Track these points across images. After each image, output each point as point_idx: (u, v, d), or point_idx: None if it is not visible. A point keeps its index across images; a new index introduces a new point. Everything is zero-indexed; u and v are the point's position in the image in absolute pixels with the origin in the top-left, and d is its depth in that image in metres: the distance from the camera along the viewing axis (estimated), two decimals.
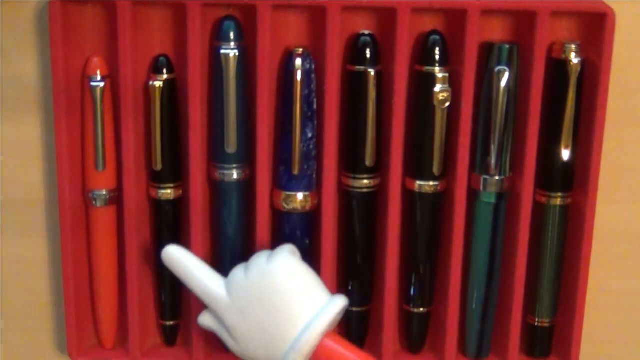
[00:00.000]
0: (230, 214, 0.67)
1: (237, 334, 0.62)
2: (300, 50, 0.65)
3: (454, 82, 0.65)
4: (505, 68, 0.64)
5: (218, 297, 0.63)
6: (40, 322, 0.72)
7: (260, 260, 0.62)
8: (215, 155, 0.67)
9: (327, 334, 0.62)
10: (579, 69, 0.64)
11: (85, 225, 0.69)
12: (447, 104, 0.65)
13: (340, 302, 0.62)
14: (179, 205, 0.68)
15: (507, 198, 0.67)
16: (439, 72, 0.65)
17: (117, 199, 0.68)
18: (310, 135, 0.66)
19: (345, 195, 0.68)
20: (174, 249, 0.64)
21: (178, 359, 0.70)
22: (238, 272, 0.63)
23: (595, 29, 0.64)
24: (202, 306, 0.68)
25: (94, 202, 0.67)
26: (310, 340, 0.61)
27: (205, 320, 0.64)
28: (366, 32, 0.65)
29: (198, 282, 0.63)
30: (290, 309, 0.61)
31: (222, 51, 0.65)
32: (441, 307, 0.69)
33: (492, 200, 0.67)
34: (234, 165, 0.67)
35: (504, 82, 0.65)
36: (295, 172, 0.66)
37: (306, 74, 0.65)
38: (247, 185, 0.68)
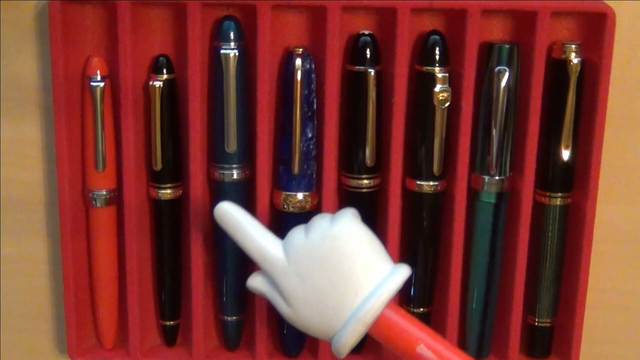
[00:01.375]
0: None
1: (293, 299, 0.59)
2: (300, 50, 0.65)
3: (454, 82, 0.65)
4: (505, 68, 0.64)
5: (275, 258, 0.59)
6: (40, 322, 0.72)
7: (323, 222, 0.59)
8: (215, 155, 0.67)
9: (389, 304, 0.59)
10: (579, 69, 0.64)
11: (85, 225, 0.69)
12: (447, 104, 0.65)
13: (405, 271, 0.60)
14: (179, 205, 0.68)
15: (507, 198, 0.67)
16: (439, 72, 0.65)
17: (117, 199, 0.68)
18: (310, 135, 0.66)
19: (346, 195, 0.68)
20: (228, 205, 0.61)
21: (178, 359, 0.70)
22: (297, 233, 0.60)
23: (595, 29, 0.64)
24: (202, 306, 0.68)
25: (94, 202, 0.67)
26: (374, 309, 0.58)
27: (256, 282, 0.61)
28: (366, 32, 0.65)
29: (253, 241, 0.60)
30: (352, 275, 0.58)
31: (222, 51, 0.65)
32: (441, 307, 0.69)
33: (492, 200, 0.67)
34: (234, 165, 0.67)
35: (504, 82, 0.65)
36: (295, 172, 0.66)
37: (306, 74, 0.65)
38: (247, 185, 0.68)
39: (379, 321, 0.59)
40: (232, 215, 0.60)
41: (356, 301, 0.58)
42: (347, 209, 0.61)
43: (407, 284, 0.69)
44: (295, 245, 0.59)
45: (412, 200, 0.68)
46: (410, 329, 0.59)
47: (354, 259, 0.59)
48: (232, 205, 0.61)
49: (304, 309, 0.59)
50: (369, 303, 0.58)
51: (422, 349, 0.59)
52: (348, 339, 0.58)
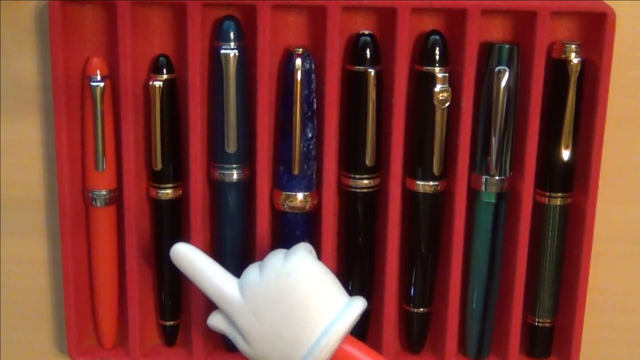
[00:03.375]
0: (230, 214, 0.67)
1: (251, 337, 0.60)
2: (300, 50, 0.65)
3: (454, 82, 0.65)
4: (505, 68, 0.64)
5: (231, 298, 0.60)
6: (40, 322, 0.72)
7: (276, 260, 0.60)
8: (215, 155, 0.67)
9: (345, 338, 0.60)
10: (579, 69, 0.64)
11: (85, 225, 0.69)
12: (447, 104, 0.65)
13: (359, 305, 0.60)
14: (179, 205, 0.68)
15: (507, 198, 0.67)
16: (439, 72, 0.65)
17: (117, 199, 0.68)
18: (310, 135, 0.66)
19: (345, 195, 0.68)
20: (183, 246, 0.62)
21: (178, 359, 0.70)
22: (252, 272, 0.61)
23: (595, 29, 0.64)
24: (202, 306, 0.68)
25: (94, 202, 0.67)
26: (330, 344, 0.59)
27: (216, 321, 0.62)
28: (366, 32, 0.65)
29: (209, 282, 0.61)
30: (307, 311, 0.59)
31: (222, 51, 0.65)
32: (441, 307, 0.69)
33: (492, 200, 0.67)
34: (234, 165, 0.67)
35: (504, 82, 0.65)
36: (295, 172, 0.66)
37: (306, 74, 0.65)
38: (247, 185, 0.67)
39: (337, 355, 0.60)
40: (187, 256, 0.62)
41: (312, 337, 0.59)
42: (301, 244, 0.62)
43: (407, 284, 0.69)
44: (250, 284, 0.60)
45: (412, 200, 0.68)
46: None
47: (308, 296, 0.59)
48: (187, 246, 0.62)
49: (262, 346, 0.60)
50: (324, 339, 0.59)
51: None
52: None
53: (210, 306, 0.69)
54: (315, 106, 0.66)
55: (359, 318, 0.61)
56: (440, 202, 0.68)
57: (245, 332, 0.60)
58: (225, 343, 0.71)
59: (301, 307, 0.59)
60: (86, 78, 0.65)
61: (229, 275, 0.62)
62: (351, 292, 0.68)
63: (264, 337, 0.60)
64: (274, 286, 0.59)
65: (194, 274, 0.62)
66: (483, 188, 0.67)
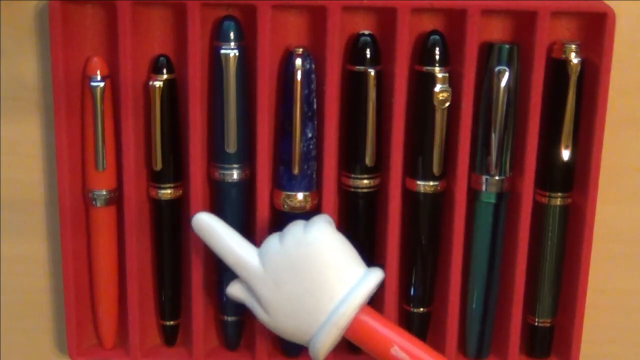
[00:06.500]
0: (230, 214, 0.67)
1: (270, 305, 0.61)
2: (300, 50, 0.65)
3: (454, 82, 0.65)
4: (505, 68, 0.64)
5: (251, 266, 0.61)
6: (40, 322, 0.72)
7: (297, 230, 0.61)
8: (215, 155, 0.67)
9: (363, 308, 0.61)
10: (579, 69, 0.64)
11: (85, 225, 0.69)
12: (447, 104, 0.65)
13: (377, 275, 0.61)
14: (179, 205, 0.68)
15: (507, 198, 0.67)
16: (439, 72, 0.65)
17: (117, 199, 0.68)
18: (310, 135, 0.66)
19: (346, 195, 0.68)
20: (205, 216, 0.63)
21: (178, 359, 0.70)
22: (272, 241, 0.62)
23: (595, 29, 0.64)
24: (202, 306, 0.68)
25: (94, 202, 0.67)
26: (348, 313, 0.60)
27: (235, 290, 0.63)
28: (366, 32, 0.65)
29: (230, 250, 0.62)
30: (326, 280, 0.60)
31: (222, 51, 0.65)
32: (441, 307, 0.69)
33: (492, 200, 0.67)
34: (234, 165, 0.67)
35: (504, 82, 0.65)
36: (295, 172, 0.66)
37: (306, 74, 0.65)
38: (247, 185, 0.68)
39: (354, 324, 0.61)
40: (209, 224, 0.62)
41: (331, 305, 0.60)
42: (321, 215, 0.63)
43: (407, 284, 0.69)
44: (271, 252, 0.61)
45: (412, 200, 0.68)
46: (384, 332, 0.61)
47: (327, 265, 0.60)
48: (209, 215, 0.63)
49: (281, 314, 0.61)
50: (343, 307, 0.60)
51: (396, 350, 0.61)
52: (324, 342, 0.60)
53: (211, 305, 0.69)
54: (315, 106, 0.66)
55: (376, 289, 0.62)
56: (440, 202, 0.68)
57: (264, 300, 0.61)
58: (225, 342, 0.71)
59: (320, 275, 0.60)
60: (86, 78, 0.65)
61: (249, 244, 0.62)
62: None
63: (282, 305, 0.61)
64: (294, 255, 0.60)
65: (215, 243, 0.62)
66: (483, 188, 0.67)
